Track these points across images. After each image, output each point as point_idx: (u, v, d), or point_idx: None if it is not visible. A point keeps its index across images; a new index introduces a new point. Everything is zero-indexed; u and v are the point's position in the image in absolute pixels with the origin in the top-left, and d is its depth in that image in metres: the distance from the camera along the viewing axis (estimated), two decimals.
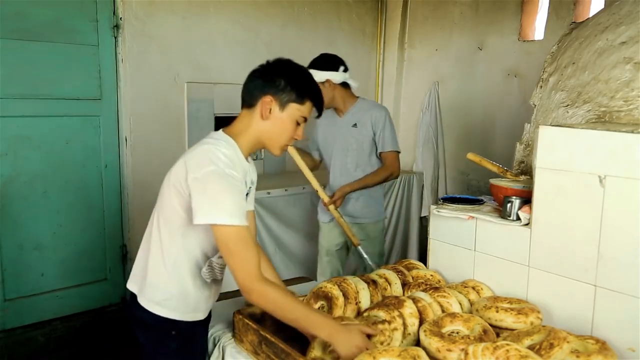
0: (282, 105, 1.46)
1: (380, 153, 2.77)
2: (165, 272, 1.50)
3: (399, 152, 2.81)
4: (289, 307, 1.37)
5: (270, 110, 1.46)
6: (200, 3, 3.60)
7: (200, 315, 1.59)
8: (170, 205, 1.46)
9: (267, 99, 1.45)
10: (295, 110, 1.47)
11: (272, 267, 1.76)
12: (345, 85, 2.78)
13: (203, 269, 1.54)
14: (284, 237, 3.39)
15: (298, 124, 1.51)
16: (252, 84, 1.49)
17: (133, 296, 1.58)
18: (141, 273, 1.57)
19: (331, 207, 2.68)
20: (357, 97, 2.84)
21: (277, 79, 1.45)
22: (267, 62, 1.52)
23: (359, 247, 2.69)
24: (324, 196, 2.69)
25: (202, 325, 1.64)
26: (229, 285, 2.12)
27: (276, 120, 1.47)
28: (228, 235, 1.35)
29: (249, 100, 1.49)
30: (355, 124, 2.77)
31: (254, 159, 1.65)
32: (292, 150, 2.68)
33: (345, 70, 2.76)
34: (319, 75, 2.69)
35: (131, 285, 1.60)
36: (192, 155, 1.43)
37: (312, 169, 2.91)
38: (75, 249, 3.29)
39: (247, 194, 1.55)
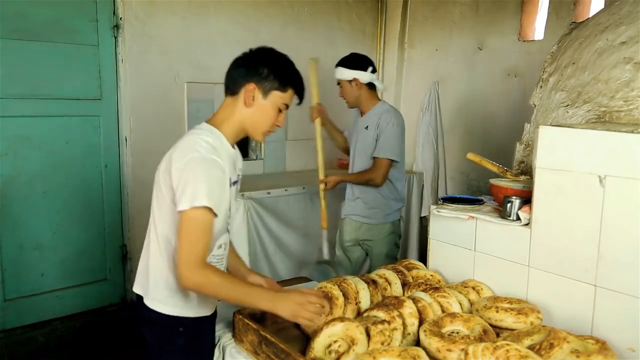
0: (265, 93, 1.50)
1: (373, 157, 2.78)
2: (166, 268, 1.51)
3: (392, 161, 2.75)
4: (229, 287, 1.40)
5: (254, 97, 1.49)
6: (200, 3, 3.60)
7: (205, 311, 1.59)
8: (163, 200, 1.48)
9: (251, 86, 1.48)
10: (278, 97, 1.51)
11: (241, 261, 1.81)
12: (371, 87, 2.83)
13: None
14: (284, 237, 3.38)
15: (280, 110, 1.54)
16: (235, 72, 1.52)
17: (139, 297, 1.59)
18: (144, 273, 1.57)
19: (321, 185, 2.79)
20: (380, 100, 2.88)
21: (260, 67, 1.49)
22: (250, 50, 1.55)
23: (323, 232, 2.80)
24: (320, 174, 2.79)
25: (209, 322, 1.64)
26: None
27: (259, 107, 1.50)
28: (197, 218, 1.37)
29: (232, 87, 1.52)
30: (367, 127, 2.80)
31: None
32: (317, 123, 2.83)
33: (374, 71, 2.81)
34: (347, 74, 2.77)
35: (137, 288, 1.61)
36: (175, 147, 1.47)
37: (345, 150, 3.07)
38: (75, 249, 3.28)
39: (236, 182, 1.58)
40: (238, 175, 1.61)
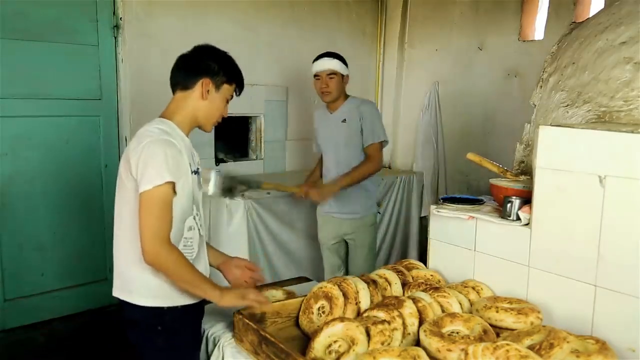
0: (218, 87, 1.63)
1: (365, 147, 2.83)
2: (136, 257, 1.51)
3: (383, 143, 2.85)
4: (186, 270, 1.48)
5: (209, 91, 1.62)
6: (200, 3, 3.60)
7: (187, 300, 1.60)
8: (126, 191, 1.55)
9: (206, 81, 1.61)
10: (227, 90, 1.66)
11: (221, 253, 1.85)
12: None
13: (179, 247, 1.55)
14: (284, 237, 3.39)
15: (227, 102, 1.69)
16: (186, 69, 1.63)
17: (121, 301, 1.61)
18: (119, 274, 1.62)
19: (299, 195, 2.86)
20: (348, 95, 2.94)
21: (212, 63, 1.62)
22: (195, 48, 1.67)
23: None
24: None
25: (189, 317, 1.64)
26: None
27: (213, 100, 1.63)
28: (159, 195, 1.44)
29: (184, 83, 1.62)
30: (345, 120, 2.85)
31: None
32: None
33: None
34: (344, 69, 2.84)
35: (116, 292, 1.63)
36: (131, 142, 1.55)
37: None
38: (75, 249, 3.29)
39: (197, 172, 1.64)
40: (198, 167, 1.68)
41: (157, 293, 1.55)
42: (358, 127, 2.82)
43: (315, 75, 2.85)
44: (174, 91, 1.65)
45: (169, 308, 1.56)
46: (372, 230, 2.96)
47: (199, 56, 1.64)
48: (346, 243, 3.00)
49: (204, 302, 1.70)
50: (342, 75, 2.84)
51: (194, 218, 1.62)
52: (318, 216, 3.04)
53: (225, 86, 1.64)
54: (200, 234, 1.65)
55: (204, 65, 1.61)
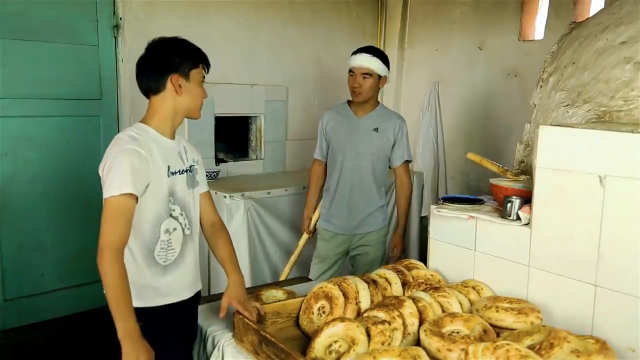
0: (187, 77, 1.64)
1: (397, 167, 2.71)
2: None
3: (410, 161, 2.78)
4: (117, 291, 1.44)
5: (180, 85, 1.63)
6: (200, 3, 3.60)
7: (167, 300, 1.61)
8: None
9: (174, 77, 1.62)
10: (196, 75, 1.67)
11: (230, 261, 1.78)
12: None
13: (156, 251, 1.56)
14: (284, 237, 3.38)
15: (202, 84, 1.71)
16: (150, 75, 1.64)
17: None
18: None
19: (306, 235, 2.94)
20: (378, 101, 2.75)
21: (171, 57, 1.63)
22: (149, 48, 1.69)
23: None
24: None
25: (174, 316, 1.64)
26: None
27: (188, 90, 1.65)
28: (112, 205, 1.45)
29: (155, 87, 1.64)
30: (377, 129, 2.64)
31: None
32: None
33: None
34: (382, 69, 2.60)
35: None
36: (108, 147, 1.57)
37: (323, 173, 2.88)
38: (75, 249, 3.28)
39: (185, 171, 1.67)
40: (192, 165, 1.71)
41: (132, 294, 1.51)
42: (389, 141, 2.64)
43: (349, 70, 2.60)
44: (147, 96, 1.67)
45: (148, 308, 1.56)
46: (385, 242, 2.84)
47: (156, 55, 1.66)
48: (348, 257, 2.85)
49: (190, 300, 1.70)
50: (379, 77, 2.59)
51: (176, 219, 1.62)
52: (324, 232, 2.79)
53: (194, 72, 1.65)
54: (184, 233, 1.65)
55: (165, 62, 1.63)
